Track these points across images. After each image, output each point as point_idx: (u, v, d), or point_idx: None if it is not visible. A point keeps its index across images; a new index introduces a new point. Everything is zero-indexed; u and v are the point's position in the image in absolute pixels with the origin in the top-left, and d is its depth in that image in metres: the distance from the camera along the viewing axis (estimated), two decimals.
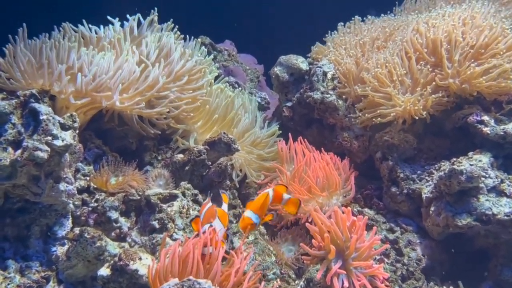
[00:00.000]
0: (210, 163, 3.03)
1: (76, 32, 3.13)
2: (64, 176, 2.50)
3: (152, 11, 3.41)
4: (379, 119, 3.09)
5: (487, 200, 2.61)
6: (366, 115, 3.18)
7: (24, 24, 2.80)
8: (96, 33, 3.20)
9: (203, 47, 3.61)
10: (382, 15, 3.94)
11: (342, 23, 3.92)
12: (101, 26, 3.24)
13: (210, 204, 2.38)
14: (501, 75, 2.83)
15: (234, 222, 2.87)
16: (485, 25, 2.97)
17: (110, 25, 3.26)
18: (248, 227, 2.24)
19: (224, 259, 2.11)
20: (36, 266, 2.43)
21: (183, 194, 2.81)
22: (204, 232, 2.18)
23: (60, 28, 3.11)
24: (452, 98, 3.01)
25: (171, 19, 3.50)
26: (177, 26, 3.51)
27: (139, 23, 3.38)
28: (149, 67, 2.99)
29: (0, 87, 2.65)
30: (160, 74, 2.97)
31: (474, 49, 2.91)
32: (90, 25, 3.21)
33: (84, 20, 3.20)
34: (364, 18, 3.96)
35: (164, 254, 2.06)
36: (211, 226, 2.24)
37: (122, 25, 3.33)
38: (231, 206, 3.03)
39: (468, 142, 2.96)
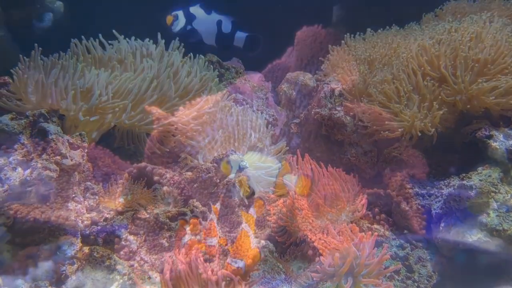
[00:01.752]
0: (218, 180, 3.03)
1: (88, 50, 3.18)
2: (73, 195, 2.51)
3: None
4: (387, 132, 3.09)
5: (497, 215, 2.59)
6: (374, 127, 3.18)
7: (36, 45, 2.84)
8: (106, 51, 3.24)
9: (207, 63, 3.64)
10: (380, 30, 3.96)
11: (348, 36, 3.94)
12: (111, 45, 3.28)
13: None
14: (509, 91, 2.82)
15: None
16: (490, 40, 2.97)
17: (120, 44, 3.30)
18: (233, 274, 2.15)
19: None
20: (45, 285, 2.43)
21: (192, 212, 2.81)
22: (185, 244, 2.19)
23: (70, 48, 3.16)
24: (459, 114, 3.00)
25: (177, 38, 3.54)
26: (182, 44, 3.54)
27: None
28: (159, 85, 3.02)
29: (10, 109, 2.67)
30: (172, 91, 2.99)
31: (480, 64, 2.91)
32: (101, 39, 3.25)
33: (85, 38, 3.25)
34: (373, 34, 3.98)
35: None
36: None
37: (129, 43, 3.37)
38: (238, 224, 3.02)
39: (477, 157, 2.95)
